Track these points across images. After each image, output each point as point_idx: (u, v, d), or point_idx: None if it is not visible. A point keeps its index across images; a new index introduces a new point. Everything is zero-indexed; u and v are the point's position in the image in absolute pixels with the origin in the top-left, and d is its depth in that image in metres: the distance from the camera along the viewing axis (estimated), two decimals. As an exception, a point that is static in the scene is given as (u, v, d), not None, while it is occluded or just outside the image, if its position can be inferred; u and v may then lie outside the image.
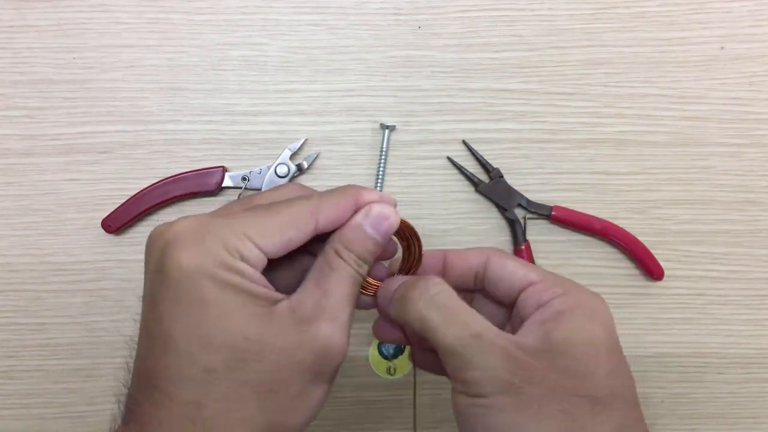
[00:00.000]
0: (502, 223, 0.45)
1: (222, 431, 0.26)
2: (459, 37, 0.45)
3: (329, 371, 0.29)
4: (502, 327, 0.32)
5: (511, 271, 0.32)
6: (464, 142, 0.45)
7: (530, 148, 0.45)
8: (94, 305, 0.44)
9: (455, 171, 0.45)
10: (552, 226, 0.45)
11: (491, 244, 0.45)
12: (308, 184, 0.44)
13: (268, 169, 0.44)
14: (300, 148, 0.44)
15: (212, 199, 0.45)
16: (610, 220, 0.44)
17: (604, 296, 0.45)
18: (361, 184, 0.32)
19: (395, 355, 0.44)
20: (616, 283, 0.45)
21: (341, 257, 0.30)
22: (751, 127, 0.46)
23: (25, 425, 0.44)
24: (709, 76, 0.46)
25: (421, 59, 0.45)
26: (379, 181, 0.44)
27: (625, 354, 0.30)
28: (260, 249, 0.28)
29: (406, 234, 0.33)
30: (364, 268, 0.31)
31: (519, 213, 0.44)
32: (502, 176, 0.45)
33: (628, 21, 0.46)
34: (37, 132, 0.44)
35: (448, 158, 0.45)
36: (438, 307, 0.30)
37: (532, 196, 0.45)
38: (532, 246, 0.44)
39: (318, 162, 0.44)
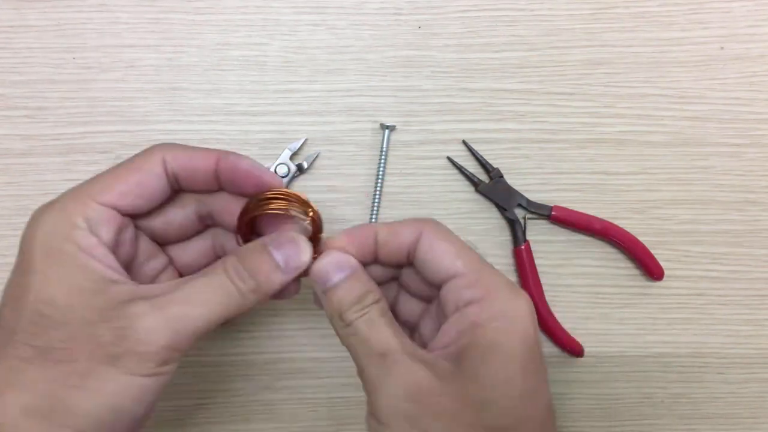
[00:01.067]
0: (502, 223, 0.45)
1: None
2: (459, 37, 0.45)
3: (131, 358, 0.26)
4: (428, 303, 0.32)
5: (438, 256, 0.30)
6: (464, 142, 0.45)
7: (530, 148, 0.45)
8: (94, 305, 0.44)
9: (455, 171, 0.45)
10: (552, 226, 0.45)
11: (491, 244, 0.45)
12: (308, 184, 0.44)
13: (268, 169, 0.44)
14: (300, 148, 0.44)
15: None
16: (610, 220, 0.44)
17: (604, 296, 0.45)
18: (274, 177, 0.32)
19: (395, 355, 0.44)
20: (616, 283, 0.45)
21: (224, 265, 0.29)
22: (751, 127, 0.46)
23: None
24: (709, 76, 0.46)
25: (421, 59, 0.45)
26: (379, 181, 0.44)
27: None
28: (107, 205, 0.28)
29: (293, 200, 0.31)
30: (253, 290, 0.29)
31: (519, 213, 0.44)
32: (502, 176, 0.45)
33: (628, 21, 0.46)
34: (37, 132, 0.44)
35: (448, 158, 0.45)
36: (364, 322, 0.29)
37: (532, 196, 0.45)
38: (532, 246, 0.44)
39: (318, 162, 0.44)
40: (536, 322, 0.28)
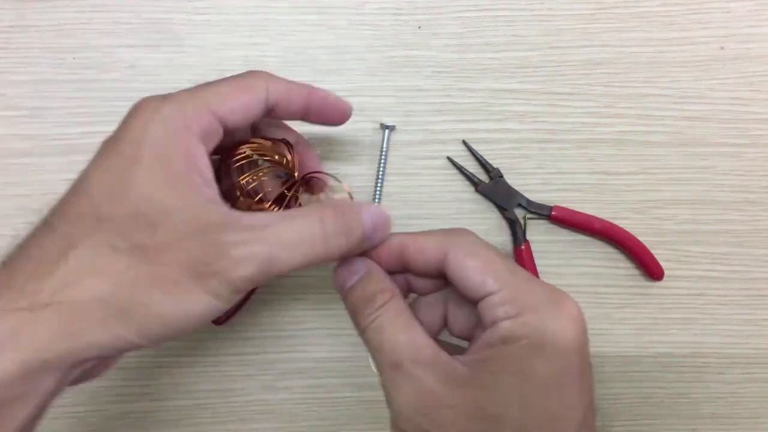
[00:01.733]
0: (502, 223, 0.45)
1: (79, 274, 0.25)
2: (459, 37, 0.45)
3: (215, 280, 0.26)
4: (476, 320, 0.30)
5: (468, 275, 0.28)
6: (464, 142, 0.45)
7: (530, 148, 0.45)
8: (94, 305, 0.44)
9: (455, 171, 0.45)
10: (552, 226, 0.45)
11: (491, 244, 0.45)
12: (308, 184, 0.44)
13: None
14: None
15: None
16: (610, 220, 0.44)
17: (604, 296, 0.45)
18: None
19: (395, 355, 0.44)
20: (616, 283, 0.45)
21: (322, 214, 0.28)
22: (751, 127, 0.46)
23: (25, 425, 0.44)
24: (709, 76, 0.46)
25: (421, 59, 0.45)
26: (379, 181, 0.44)
27: (593, 367, 0.28)
28: (219, 118, 0.29)
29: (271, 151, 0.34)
30: (338, 250, 0.29)
31: (519, 213, 0.44)
32: (502, 176, 0.45)
33: (628, 21, 0.46)
34: (37, 132, 0.44)
35: (448, 158, 0.45)
36: (371, 333, 0.28)
37: (532, 196, 0.45)
38: (532, 246, 0.44)
39: (318, 162, 0.44)
40: (583, 340, 0.27)
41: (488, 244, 0.30)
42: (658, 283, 0.45)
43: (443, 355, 0.27)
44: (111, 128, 0.44)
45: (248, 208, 0.34)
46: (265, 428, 0.44)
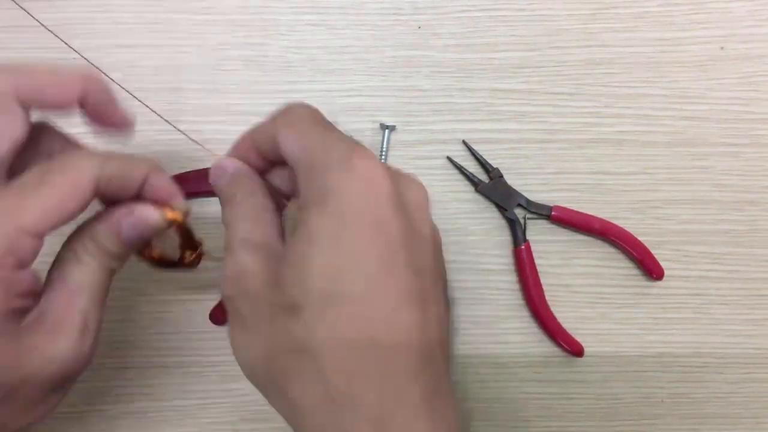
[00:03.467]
0: (502, 223, 0.45)
1: None
2: (459, 37, 0.45)
3: (74, 377, 0.29)
4: None
5: (285, 150, 0.28)
6: (464, 142, 0.45)
7: (530, 148, 0.45)
8: (94, 305, 0.44)
9: (455, 171, 0.45)
10: (552, 226, 0.45)
11: (491, 244, 0.45)
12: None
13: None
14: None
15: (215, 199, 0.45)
16: (610, 220, 0.44)
17: (604, 296, 0.45)
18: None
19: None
20: (616, 283, 0.45)
21: (91, 255, 0.29)
22: (750, 127, 0.46)
23: (25, 425, 0.44)
24: (709, 76, 0.46)
25: (421, 59, 0.45)
26: None
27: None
28: (38, 235, 0.26)
29: (180, 231, 0.32)
30: (118, 264, 0.30)
31: (519, 213, 0.44)
32: (502, 176, 0.45)
33: (628, 21, 0.46)
34: (37, 132, 0.44)
35: (448, 158, 0.45)
36: (226, 221, 0.29)
37: (532, 196, 0.45)
38: (532, 246, 0.44)
39: (318, 162, 0.44)
40: (371, 197, 0.25)
41: (310, 116, 0.29)
42: (658, 283, 0.45)
43: (276, 237, 0.28)
44: (111, 128, 0.44)
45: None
46: (265, 428, 0.44)
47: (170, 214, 0.31)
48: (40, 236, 0.26)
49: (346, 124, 0.45)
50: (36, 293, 0.28)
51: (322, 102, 0.44)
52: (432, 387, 0.25)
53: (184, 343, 0.43)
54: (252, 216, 0.29)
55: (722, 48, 0.46)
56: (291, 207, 0.32)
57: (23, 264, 0.26)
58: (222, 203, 0.30)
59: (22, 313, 0.27)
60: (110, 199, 0.30)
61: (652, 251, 0.44)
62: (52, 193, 0.27)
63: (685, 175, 0.46)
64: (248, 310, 0.26)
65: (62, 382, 0.28)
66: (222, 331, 0.43)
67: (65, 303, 0.28)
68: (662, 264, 0.44)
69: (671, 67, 0.46)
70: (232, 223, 0.29)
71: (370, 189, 0.25)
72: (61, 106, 0.30)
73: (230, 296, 0.27)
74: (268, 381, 0.27)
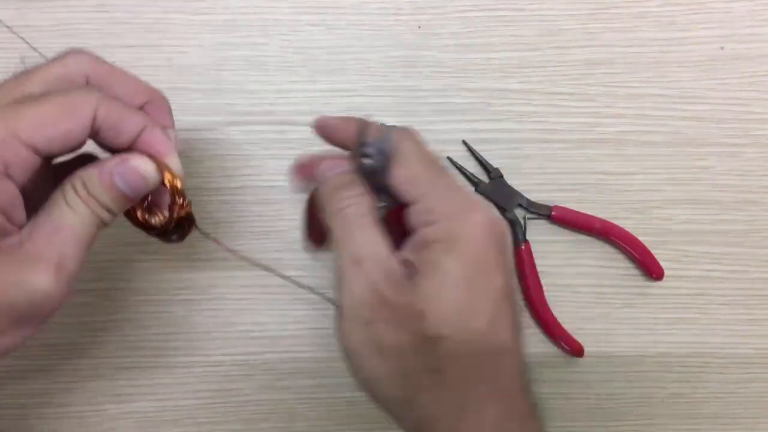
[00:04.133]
0: (502, 223, 0.45)
1: None
2: (459, 37, 0.45)
3: (38, 319, 0.28)
4: None
5: (394, 185, 0.30)
6: (464, 142, 0.45)
7: (530, 148, 0.45)
8: (94, 305, 0.44)
9: (455, 171, 0.45)
10: (552, 226, 0.45)
11: (425, 147, 0.45)
12: (308, 184, 0.44)
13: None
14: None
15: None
16: (610, 220, 0.44)
17: (604, 296, 0.45)
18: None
19: (395, 355, 0.44)
20: (616, 283, 0.45)
21: (81, 198, 0.29)
22: (750, 127, 0.46)
23: (25, 425, 0.44)
24: (709, 76, 0.46)
25: (421, 59, 0.45)
26: None
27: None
28: (31, 146, 0.27)
29: (171, 189, 0.31)
30: (107, 216, 0.29)
31: (519, 213, 0.44)
32: (502, 176, 0.45)
33: (628, 21, 0.46)
34: (37, 132, 0.44)
35: (448, 158, 0.45)
36: (341, 220, 0.30)
37: (532, 196, 0.45)
38: (532, 246, 0.44)
39: (318, 162, 0.44)
40: (492, 240, 0.29)
41: (420, 150, 0.31)
42: (658, 283, 0.45)
43: (393, 258, 0.30)
44: (111, 128, 0.44)
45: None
46: (265, 428, 0.44)
47: (165, 172, 0.31)
48: (33, 148, 0.27)
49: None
50: (13, 217, 0.27)
51: (322, 102, 0.45)
52: (532, 401, 0.30)
53: (184, 343, 0.43)
54: (373, 223, 0.30)
55: (722, 48, 0.46)
56: None
57: (10, 173, 0.26)
58: (331, 196, 0.31)
59: None
60: (105, 145, 0.30)
61: (652, 251, 0.44)
62: (50, 108, 0.27)
63: (685, 175, 0.46)
64: (384, 336, 0.29)
65: (26, 319, 0.27)
66: (222, 331, 0.43)
67: (46, 239, 0.28)
68: (662, 264, 0.44)
69: (671, 67, 0.46)
70: (357, 224, 0.30)
71: (491, 237, 0.29)
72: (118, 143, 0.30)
73: (359, 319, 0.29)
74: (402, 396, 0.29)
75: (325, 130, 0.33)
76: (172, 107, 0.44)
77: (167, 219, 0.33)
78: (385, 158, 0.31)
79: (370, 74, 0.45)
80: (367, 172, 0.31)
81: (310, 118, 0.33)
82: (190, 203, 0.33)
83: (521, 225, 0.44)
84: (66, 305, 0.43)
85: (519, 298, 0.35)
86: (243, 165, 0.44)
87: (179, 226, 0.33)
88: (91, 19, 0.44)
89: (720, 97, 0.46)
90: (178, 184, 0.31)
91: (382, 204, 0.31)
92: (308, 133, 0.44)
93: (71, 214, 0.28)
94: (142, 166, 0.30)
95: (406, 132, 0.32)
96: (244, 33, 0.45)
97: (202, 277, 0.44)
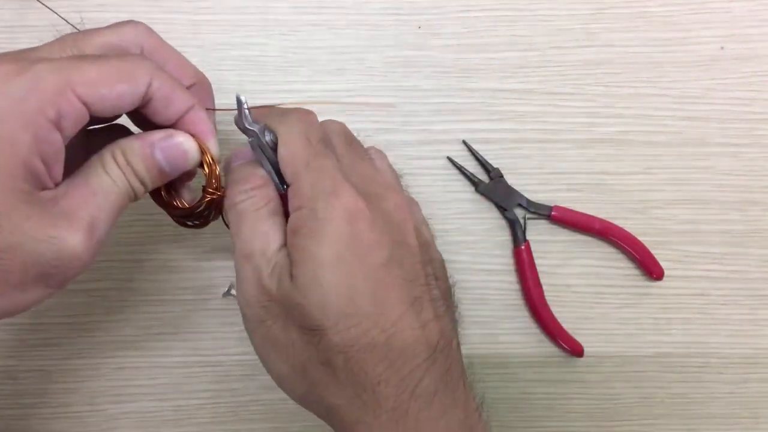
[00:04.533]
0: (502, 223, 0.45)
1: None
2: (459, 37, 0.45)
3: (62, 278, 0.27)
4: None
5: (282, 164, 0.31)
6: (464, 142, 0.45)
7: (530, 148, 0.45)
8: (94, 305, 0.44)
9: (455, 171, 0.45)
10: (552, 226, 0.45)
11: (491, 244, 0.45)
12: (308, 184, 0.44)
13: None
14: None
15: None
16: (610, 220, 0.44)
17: (604, 296, 0.45)
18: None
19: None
20: (616, 283, 0.45)
21: (118, 166, 0.29)
22: (751, 127, 0.46)
23: (25, 425, 0.44)
24: (710, 76, 0.46)
25: (421, 59, 0.45)
26: None
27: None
28: (84, 102, 0.26)
29: (209, 172, 0.32)
30: (140, 189, 0.30)
31: (519, 213, 0.44)
32: (502, 176, 0.45)
33: (628, 21, 0.46)
34: (37, 132, 0.44)
35: (448, 158, 0.45)
36: (235, 215, 0.31)
37: (532, 196, 0.45)
38: (532, 246, 0.44)
39: (318, 162, 0.44)
40: (358, 220, 0.29)
41: (306, 130, 0.31)
42: (658, 283, 0.45)
43: (281, 250, 0.30)
44: (111, 128, 0.44)
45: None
46: (265, 428, 0.44)
47: (205, 154, 0.31)
48: (85, 103, 0.26)
49: (346, 124, 0.45)
50: (53, 171, 0.27)
51: (322, 102, 0.45)
52: (440, 378, 0.29)
53: (184, 343, 0.43)
54: (267, 215, 0.31)
55: (722, 48, 0.46)
56: None
57: (61, 125, 0.26)
58: (230, 188, 0.32)
59: (35, 178, 0.26)
60: (148, 120, 0.30)
61: (652, 251, 0.44)
62: (107, 68, 0.27)
63: (686, 175, 0.46)
64: (278, 333, 0.30)
65: (50, 276, 0.27)
66: (222, 331, 0.43)
67: (80, 199, 0.27)
68: (662, 264, 0.44)
69: (672, 67, 0.46)
70: (248, 218, 0.30)
71: (353, 219, 0.29)
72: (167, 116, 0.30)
73: (255, 318, 0.30)
74: (304, 390, 0.30)
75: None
76: (172, 107, 0.44)
77: (197, 201, 0.33)
78: (273, 137, 0.31)
79: (370, 74, 0.45)
80: (267, 152, 0.31)
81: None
82: (224, 189, 0.33)
83: (521, 225, 0.44)
84: (66, 305, 0.44)
85: (441, 270, 0.34)
86: (243, 165, 0.44)
87: (202, 213, 0.33)
88: (92, 20, 0.44)
89: (720, 97, 0.46)
90: (217, 169, 0.32)
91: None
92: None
93: (108, 181, 0.28)
94: (186, 144, 0.30)
95: (299, 112, 0.32)
96: (245, 33, 0.45)
97: (202, 277, 0.44)
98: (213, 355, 0.43)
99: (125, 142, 0.29)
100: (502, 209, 0.45)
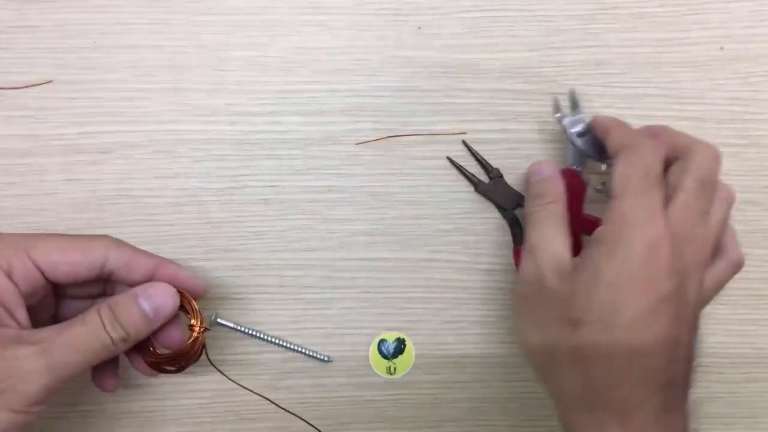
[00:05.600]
0: (502, 223, 0.45)
1: None
2: (459, 37, 0.45)
3: (11, 395, 0.29)
4: None
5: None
6: (464, 142, 0.45)
7: (530, 148, 0.45)
8: (95, 305, 0.44)
9: (455, 171, 0.45)
10: (552, 226, 0.45)
11: (491, 244, 0.45)
12: (309, 184, 0.44)
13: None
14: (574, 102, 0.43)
15: (212, 199, 0.44)
16: (610, 220, 0.44)
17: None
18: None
19: (395, 355, 0.44)
20: (616, 283, 0.45)
21: (99, 315, 0.32)
22: (750, 128, 0.46)
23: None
24: (709, 76, 0.46)
25: (421, 59, 0.45)
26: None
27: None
28: (37, 266, 0.31)
29: (193, 311, 0.37)
30: (118, 337, 0.32)
31: (519, 213, 0.45)
32: (502, 176, 0.45)
33: (628, 21, 0.46)
34: (38, 132, 0.44)
35: (448, 158, 0.45)
36: (530, 221, 0.38)
37: (532, 196, 0.45)
38: (532, 246, 0.44)
39: (318, 162, 0.44)
40: (657, 255, 0.32)
41: (649, 164, 0.35)
42: (658, 283, 0.45)
43: (566, 253, 0.35)
44: (112, 128, 0.44)
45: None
46: (265, 428, 0.44)
47: (184, 294, 0.36)
48: (38, 266, 0.32)
49: (346, 124, 0.45)
50: (14, 313, 0.31)
51: (322, 102, 0.45)
52: (670, 403, 0.32)
53: (184, 343, 0.43)
54: (555, 224, 0.36)
55: (722, 48, 0.46)
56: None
57: (12, 278, 0.31)
58: (530, 200, 0.39)
59: None
60: (117, 281, 0.35)
61: (652, 251, 0.44)
62: (65, 240, 0.33)
63: (685, 175, 0.45)
64: (541, 312, 0.34)
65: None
66: (222, 331, 0.43)
67: (51, 332, 0.31)
68: (662, 264, 0.44)
69: (671, 68, 0.46)
70: (540, 224, 0.37)
71: (653, 257, 0.32)
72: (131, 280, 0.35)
73: (526, 295, 0.36)
74: (545, 364, 0.35)
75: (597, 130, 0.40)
76: (173, 108, 0.44)
77: (187, 344, 0.37)
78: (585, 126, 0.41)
79: (370, 74, 0.45)
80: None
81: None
82: (205, 328, 0.37)
83: (521, 225, 0.44)
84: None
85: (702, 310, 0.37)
86: (243, 165, 0.44)
87: (190, 351, 0.37)
88: (93, 20, 0.44)
89: (719, 98, 0.46)
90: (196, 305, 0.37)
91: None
92: (308, 132, 0.45)
93: (82, 327, 0.32)
94: (165, 288, 0.34)
95: (650, 147, 0.36)
96: (245, 33, 0.45)
97: (202, 276, 0.44)
98: (214, 354, 0.43)
99: (110, 299, 0.33)
100: (502, 209, 0.45)
